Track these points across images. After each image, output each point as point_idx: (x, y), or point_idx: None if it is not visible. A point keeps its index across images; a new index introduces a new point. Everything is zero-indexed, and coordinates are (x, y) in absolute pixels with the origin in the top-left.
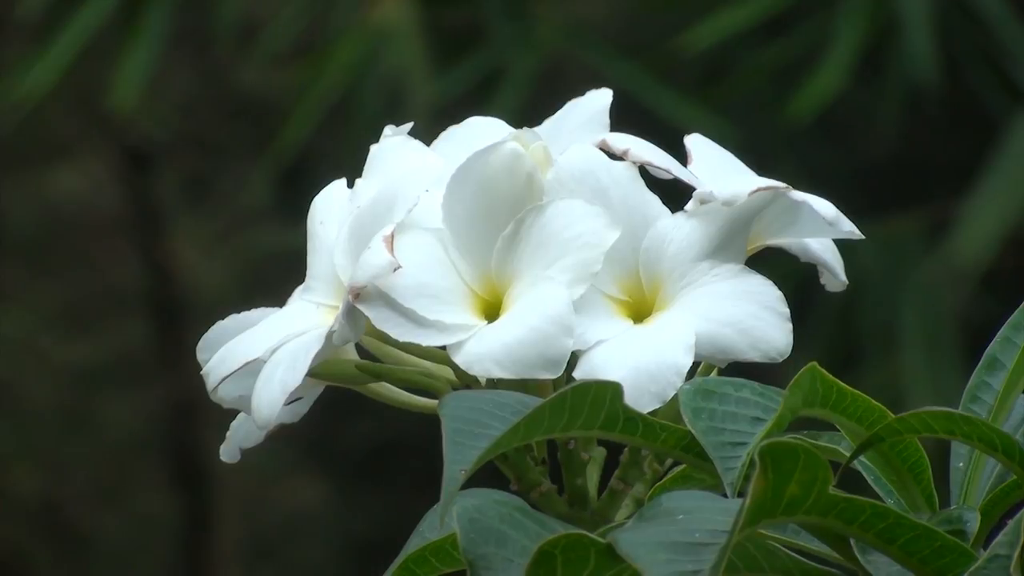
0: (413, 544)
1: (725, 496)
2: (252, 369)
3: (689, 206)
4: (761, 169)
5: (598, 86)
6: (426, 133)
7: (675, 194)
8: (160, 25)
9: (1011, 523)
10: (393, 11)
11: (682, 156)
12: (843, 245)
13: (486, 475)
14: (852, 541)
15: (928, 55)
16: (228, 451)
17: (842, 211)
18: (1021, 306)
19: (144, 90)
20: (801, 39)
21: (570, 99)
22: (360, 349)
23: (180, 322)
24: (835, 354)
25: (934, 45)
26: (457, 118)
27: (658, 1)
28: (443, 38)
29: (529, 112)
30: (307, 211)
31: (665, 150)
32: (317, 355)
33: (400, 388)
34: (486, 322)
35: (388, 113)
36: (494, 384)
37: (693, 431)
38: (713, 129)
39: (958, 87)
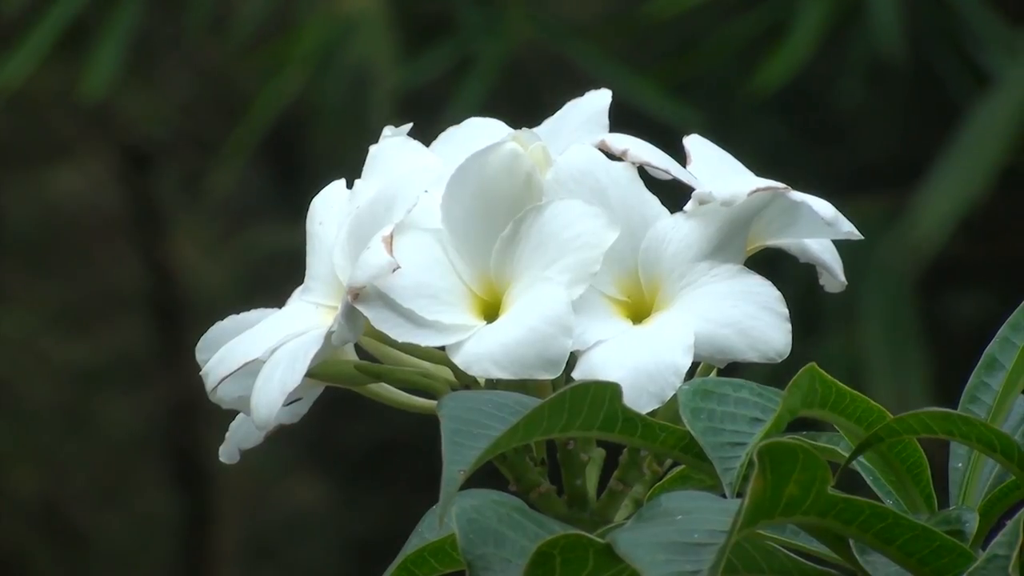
0: (412, 544)
1: (724, 496)
2: (251, 369)
3: (688, 206)
4: (722, 147)
5: (570, 77)
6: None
7: (674, 194)
8: (131, 17)
9: (1010, 523)
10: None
11: (681, 156)
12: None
13: (485, 476)
14: (851, 541)
15: (894, 29)
16: (227, 451)
17: (804, 189)
18: (1021, 306)
19: (114, 81)
20: (766, 14)
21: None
22: (359, 350)
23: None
24: (796, 325)
25: (900, 22)
26: (423, 106)
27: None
28: (412, 26)
29: (496, 101)
30: (306, 211)
31: (664, 150)
32: (316, 355)
33: (399, 388)
34: (485, 322)
35: (354, 100)
36: (493, 384)
37: (692, 431)
38: (677, 114)
39: (923, 69)
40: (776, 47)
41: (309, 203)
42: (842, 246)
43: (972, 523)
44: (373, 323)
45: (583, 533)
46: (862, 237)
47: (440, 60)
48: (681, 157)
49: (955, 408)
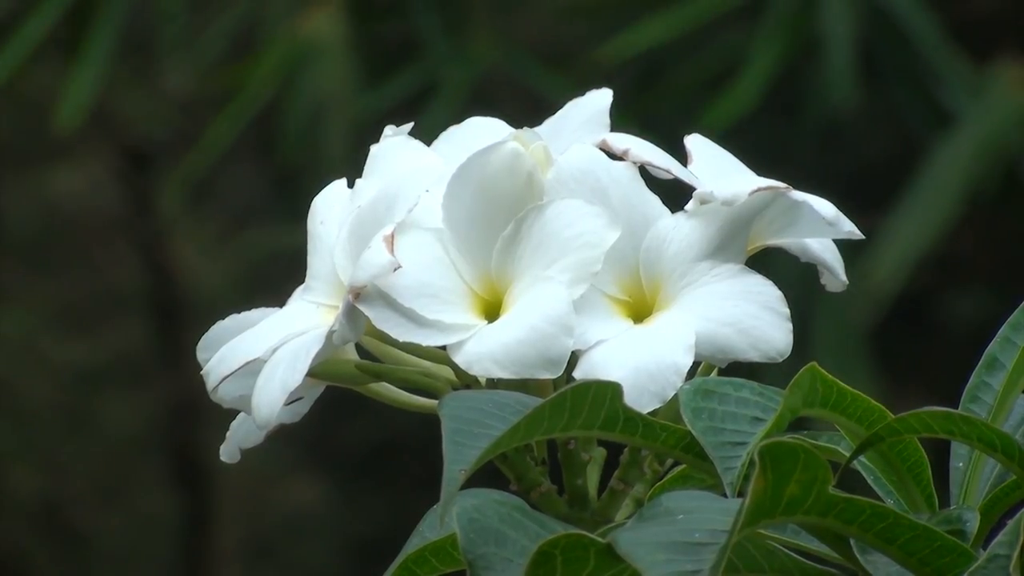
0: (413, 544)
1: (725, 496)
2: (252, 369)
3: (689, 206)
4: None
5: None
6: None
7: (675, 194)
8: (105, 44)
9: (1010, 523)
10: (322, 24)
11: (682, 156)
12: (760, 258)
13: (486, 475)
14: (852, 541)
15: (847, 77)
16: (228, 451)
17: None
18: (1021, 306)
19: (89, 109)
20: (722, 53)
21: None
22: (360, 349)
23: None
24: (752, 365)
25: (857, 63)
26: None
27: (585, 12)
28: (377, 52)
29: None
30: (307, 211)
31: (665, 150)
32: (317, 355)
33: (400, 388)
34: (486, 322)
35: (313, 126)
36: (494, 384)
37: (693, 431)
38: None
39: (882, 103)
40: (726, 88)
41: (309, 203)
42: (800, 280)
43: (973, 523)
44: (374, 322)
45: (584, 533)
46: (863, 236)
47: (405, 86)
48: (682, 157)
49: (956, 408)
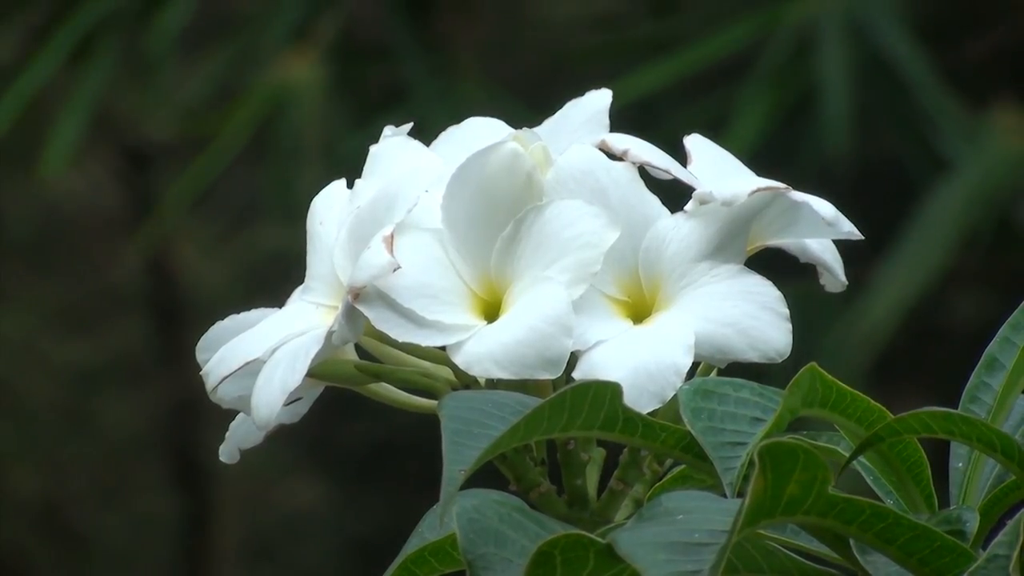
0: (412, 544)
1: (724, 496)
2: (252, 369)
3: (688, 206)
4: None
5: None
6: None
7: (675, 194)
8: (93, 93)
9: (1010, 523)
10: (302, 71)
11: (682, 157)
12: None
13: (485, 475)
14: (851, 541)
15: (843, 124)
16: (227, 451)
17: (756, 268)
18: (1021, 306)
19: (72, 157)
20: (719, 101)
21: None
22: (360, 349)
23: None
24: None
25: (853, 108)
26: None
27: (578, 56)
28: (364, 95)
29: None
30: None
31: (665, 151)
32: (317, 355)
33: (399, 388)
34: (485, 322)
35: (292, 168)
36: (494, 384)
37: (692, 431)
38: None
39: (878, 149)
40: (721, 136)
41: (309, 203)
42: (794, 330)
43: (972, 523)
44: (373, 323)
45: (584, 533)
46: (863, 237)
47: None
48: (682, 157)
49: (955, 408)
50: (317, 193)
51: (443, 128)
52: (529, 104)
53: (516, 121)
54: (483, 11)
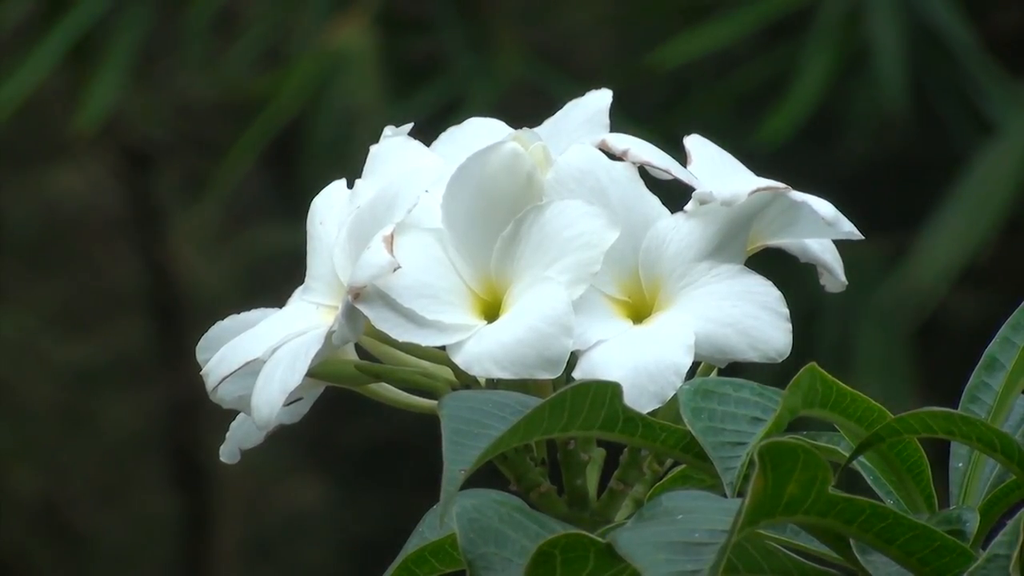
0: (413, 544)
1: (724, 496)
2: (252, 369)
3: (688, 206)
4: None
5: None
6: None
7: (675, 194)
8: (126, 56)
9: (1010, 523)
10: (353, 36)
11: (682, 157)
12: (804, 271)
13: (485, 475)
14: (851, 541)
15: (898, 81)
16: (228, 451)
17: (756, 268)
18: (1021, 306)
19: (106, 116)
20: (770, 64)
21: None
22: (360, 349)
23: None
24: (788, 369)
25: (904, 74)
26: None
27: (630, 21)
28: (403, 66)
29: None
30: (307, 211)
31: (665, 151)
32: (317, 355)
33: (399, 388)
34: (485, 322)
35: (341, 138)
36: (494, 384)
37: (692, 431)
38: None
39: (925, 115)
40: (780, 99)
41: (309, 203)
42: (844, 294)
43: (972, 523)
44: (374, 323)
45: (584, 533)
46: (863, 237)
47: (431, 100)
48: (682, 157)
49: (955, 408)
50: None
51: (482, 99)
52: (569, 74)
53: (555, 91)
54: None
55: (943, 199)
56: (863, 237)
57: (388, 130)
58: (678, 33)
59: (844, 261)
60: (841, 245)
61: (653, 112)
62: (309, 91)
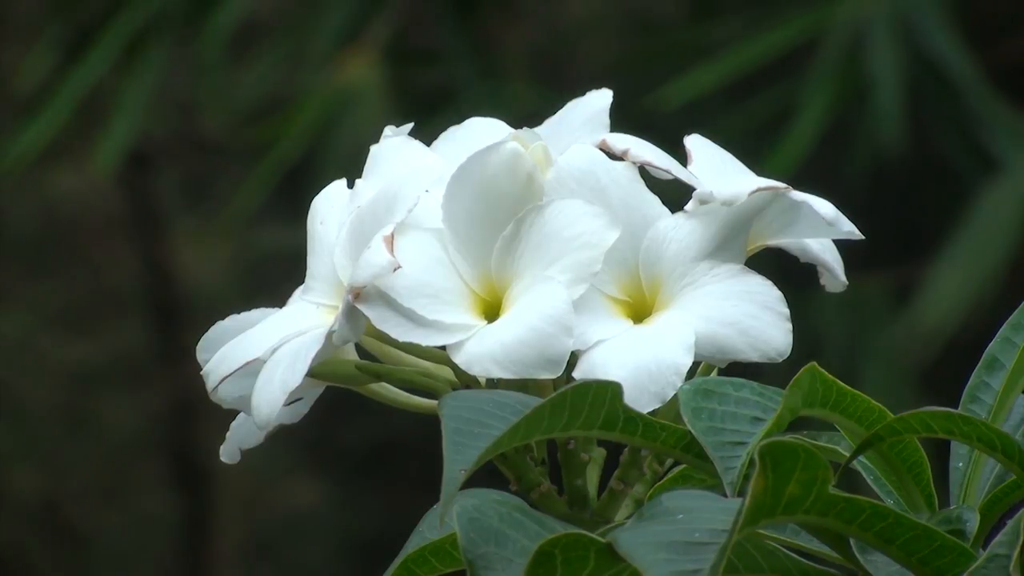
0: (413, 544)
1: (725, 496)
2: (252, 369)
3: (689, 206)
4: None
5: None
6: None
7: (675, 194)
8: (144, 91)
9: (1010, 523)
10: (362, 71)
11: (682, 157)
12: (806, 306)
13: (486, 475)
14: (852, 541)
15: (896, 121)
16: (228, 451)
17: (806, 273)
18: (1021, 306)
19: (125, 154)
20: (771, 101)
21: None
22: (360, 349)
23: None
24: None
25: (903, 109)
26: None
27: (635, 59)
28: (413, 98)
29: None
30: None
31: (665, 151)
32: (317, 355)
33: (400, 388)
34: (486, 322)
35: (351, 173)
36: (494, 384)
37: (693, 431)
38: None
39: (927, 149)
40: (781, 134)
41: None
42: (847, 327)
43: (973, 522)
44: (374, 322)
45: (584, 532)
46: (863, 237)
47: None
48: (682, 157)
49: (956, 407)
50: None
51: None
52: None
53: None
54: (526, 13)
55: (948, 236)
56: (863, 237)
57: (388, 130)
58: (685, 71)
59: (847, 298)
60: (853, 280)
61: (664, 146)
62: (318, 127)
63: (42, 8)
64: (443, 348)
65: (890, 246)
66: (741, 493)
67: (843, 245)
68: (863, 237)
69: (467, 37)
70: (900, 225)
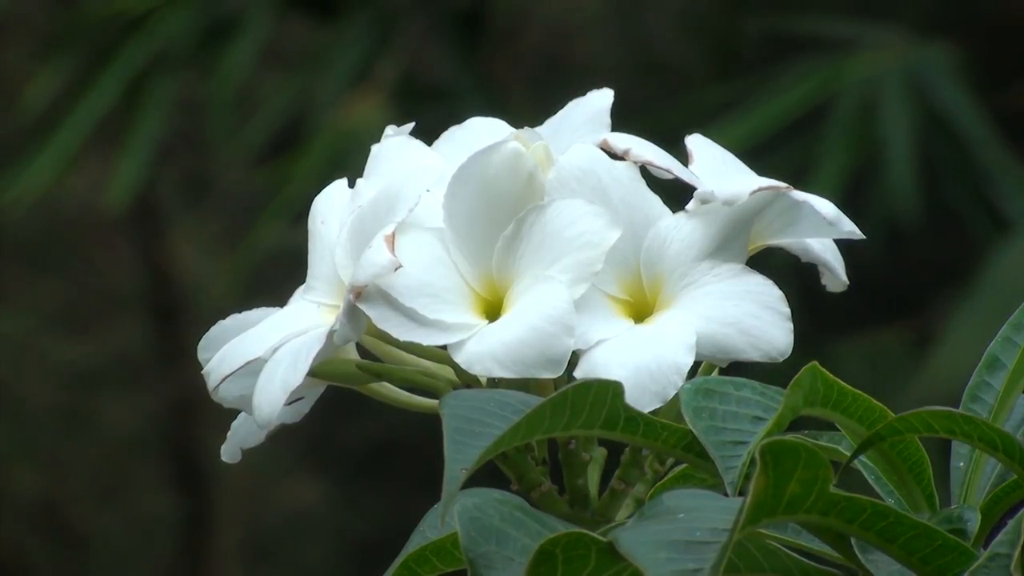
0: (414, 543)
1: (726, 495)
2: (253, 369)
3: (690, 206)
4: None
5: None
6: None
7: (676, 194)
8: (154, 128)
9: (1011, 522)
10: (370, 113)
11: (683, 156)
12: (826, 357)
13: (486, 475)
14: (852, 540)
15: (909, 179)
16: (229, 451)
17: (826, 325)
18: (1021, 306)
19: (136, 191)
20: (789, 159)
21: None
22: (361, 349)
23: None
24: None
25: (916, 171)
26: None
27: (646, 122)
28: (420, 134)
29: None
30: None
31: (666, 150)
32: (318, 354)
33: (401, 388)
34: (487, 321)
35: None
36: (495, 383)
37: (694, 430)
38: None
39: (941, 205)
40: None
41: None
42: (868, 381)
43: (974, 522)
44: (375, 322)
45: (585, 531)
46: (864, 236)
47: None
48: (683, 157)
49: (957, 407)
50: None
51: None
52: None
53: None
54: (530, 52)
55: (962, 293)
56: (864, 236)
57: (389, 129)
58: (703, 127)
59: (865, 353)
60: (862, 335)
61: (676, 204)
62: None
63: (43, 38)
64: (444, 347)
65: (907, 298)
66: (742, 492)
67: (861, 299)
68: (864, 237)
69: (472, 74)
70: (916, 276)
